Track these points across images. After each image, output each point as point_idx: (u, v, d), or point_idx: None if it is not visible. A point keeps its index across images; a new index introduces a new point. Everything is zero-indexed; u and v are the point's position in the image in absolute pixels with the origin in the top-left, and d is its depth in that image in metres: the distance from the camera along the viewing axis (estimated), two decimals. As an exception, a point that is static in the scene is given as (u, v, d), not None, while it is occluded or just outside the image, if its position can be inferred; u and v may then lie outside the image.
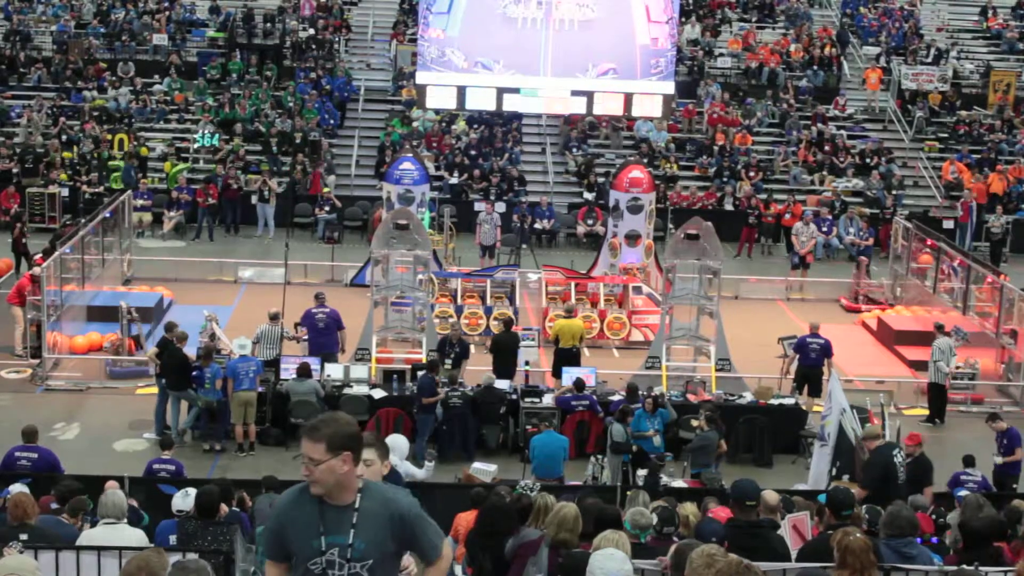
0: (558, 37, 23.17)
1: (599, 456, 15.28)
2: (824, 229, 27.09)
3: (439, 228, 24.92)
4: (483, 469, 14.21)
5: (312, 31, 35.08)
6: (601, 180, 29.62)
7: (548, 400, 16.93)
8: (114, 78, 32.85)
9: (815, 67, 35.37)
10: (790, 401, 17.44)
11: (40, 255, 20.48)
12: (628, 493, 11.30)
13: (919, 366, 19.78)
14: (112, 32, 34.67)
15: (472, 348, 18.55)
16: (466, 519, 10.00)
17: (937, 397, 18.39)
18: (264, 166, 29.45)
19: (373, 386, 17.15)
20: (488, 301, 21.68)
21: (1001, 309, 20.17)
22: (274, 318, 17.89)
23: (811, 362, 17.77)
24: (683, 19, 34.17)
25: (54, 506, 10.05)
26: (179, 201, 27.94)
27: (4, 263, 23.75)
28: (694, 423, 15.60)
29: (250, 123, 31.37)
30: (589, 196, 29.69)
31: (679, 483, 14.06)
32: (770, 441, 16.82)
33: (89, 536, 8.97)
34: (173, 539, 9.64)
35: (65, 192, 28.17)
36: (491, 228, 25.84)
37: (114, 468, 13.37)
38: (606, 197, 25.78)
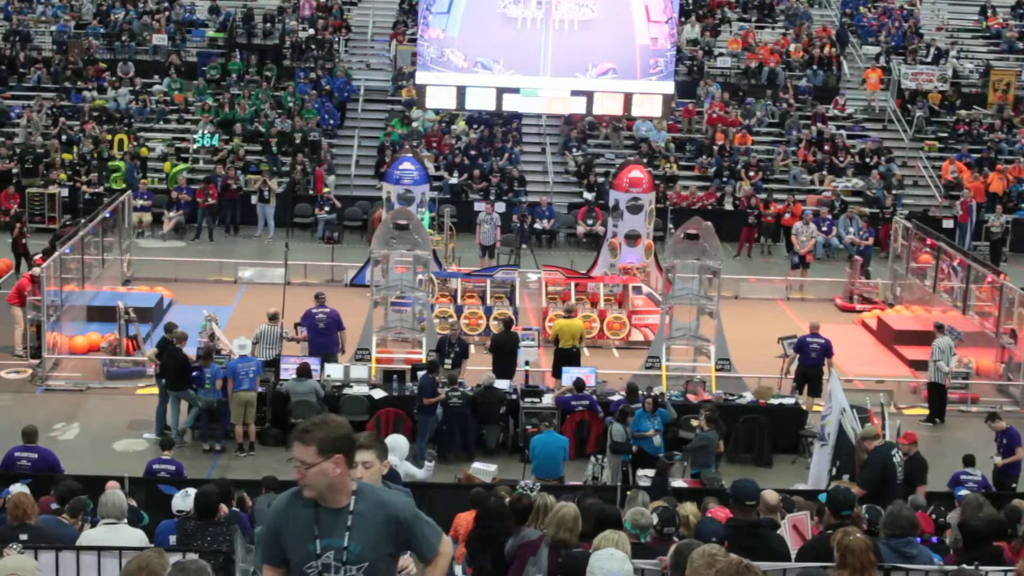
0: (558, 37, 23.17)
1: (599, 456, 15.29)
2: (824, 229, 27.10)
3: (439, 228, 24.91)
4: (483, 469, 14.21)
5: (312, 31, 35.08)
6: (601, 180, 29.62)
7: (548, 400, 16.93)
8: (114, 78, 32.85)
9: (815, 67, 35.38)
10: (790, 401, 17.44)
11: (40, 255, 20.48)
12: (628, 493, 11.31)
13: (919, 366, 19.79)
14: (112, 32, 34.67)
15: (472, 348, 18.56)
16: (466, 519, 10.01)
17: (937, 397, 18.39)
18: (264, 166, 29.45)
19: (373, 386, 17.16)
20: (488, 301, 21.69)
21: (1001, 309, 20.17)
22: (273, 318, 17.89)
23: (811, 362, 17.77)
24: (683, 19, 34.18)
25: (54, 506, 10.04)
26: (179, 201, 27.94)
27: (4, 263, 23.75)
28: (694, 423, 15.61)
29: (250, 123, 31.37)
30: (589, 196, 29.69)
31: (679, 483, 14.07)
32: (770, 441, 16.82)
33: (89, 536, 8.97)
34: (173, 539, 9.64)
35: (65, 192, 28.17)
36: (491, 228, 25.84)
37: (114, 468, 13.38)
38: (606, 197, 25.78)
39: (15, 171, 28.58)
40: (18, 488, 10.19)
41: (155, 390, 17.16)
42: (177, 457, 13.94)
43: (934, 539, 10.26)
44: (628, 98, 23.55)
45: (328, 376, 17.15)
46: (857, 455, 13.01)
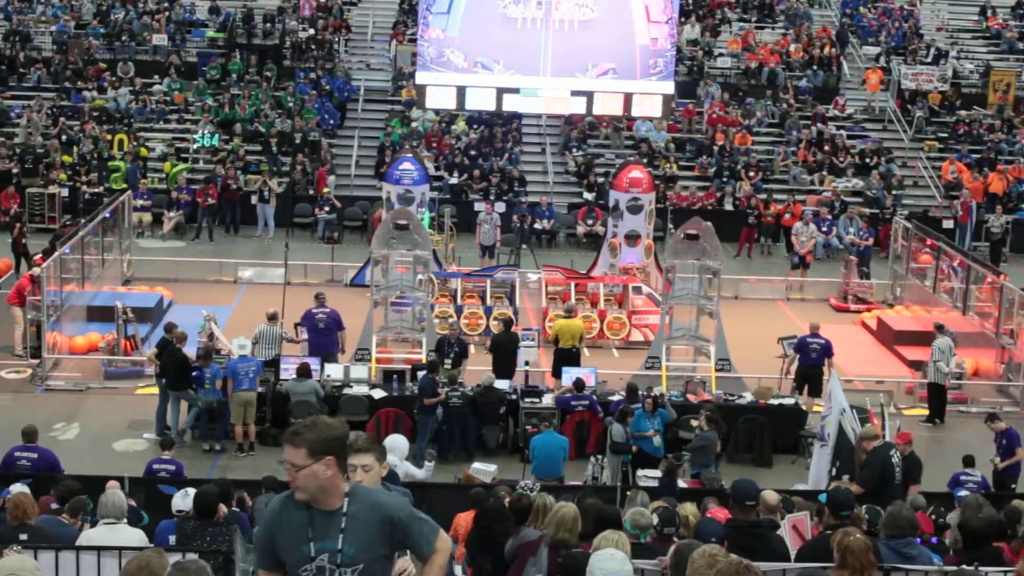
0: (558, 37, 23.17)
1: (599, 456, 15.29)
2: (824, 229, 27.10)
3: (439, 228, 24.91)
4: (483, 469, 14.21)
5: (312, 31, 35.09)
6: (601, 180, 29.63)
7: (548, 400, 16.93)
8: (114, 78, 32.85)
9: (815, 67, 35.38)
10: (790, 401, 17.44)
11: (40, 255, 20.48)
12: (628, 493, 11.31)
13: (919, 366, 19.79)
14: (112, 32, 34.67)
15: (472, 348, 18.56)
16: (465, 519, 10.01)
17: (936, 397, 18.38)
18: (264, 166, 29.45)
19: (373, 386, 17.16)
20: (488, 301, 21.69)
21: (1001, 309, 20.17)
22: (272, 318, 17.89)
23: (811, 362, 17.77)
24: (683, 19, 34.18)
25: (54, 506, 10.04)
26: (179, 201, 27.95)
27: (4, 263, 23.75)
28: (694, 423, 15.61)
29: (250, 123, 31.37)
30: (589, 196, 29.69)
31: (679, 483, 14.05)
32: (770, 441, 16.82)
33: (89, 536, 8.97)
34: (173, 539, 9.64)
35: (65, 192, 28.17)
36: (491, 228, 25.85)
37: (114, 468, 13.38)
38: (606, 197, 25.78)
39: (15, 171, 28.58)
40: (18, 488, 10.19)
41: (155, 390, 17.16)
42: (177, 457, 13.94)
43: (934, 539, 10.26)
44: (628, 98, 23.56)
45: (328, 376, 17.16)
46: (857, 455, 13.01)
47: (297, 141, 30.66)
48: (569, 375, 17.19)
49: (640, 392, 15.77)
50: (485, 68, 23.35)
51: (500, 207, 27.65)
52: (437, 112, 31.01)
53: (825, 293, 25.00)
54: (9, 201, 27.15)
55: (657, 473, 14.44)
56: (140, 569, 5.33)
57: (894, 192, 30.41)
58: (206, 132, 30.74)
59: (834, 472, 13.47)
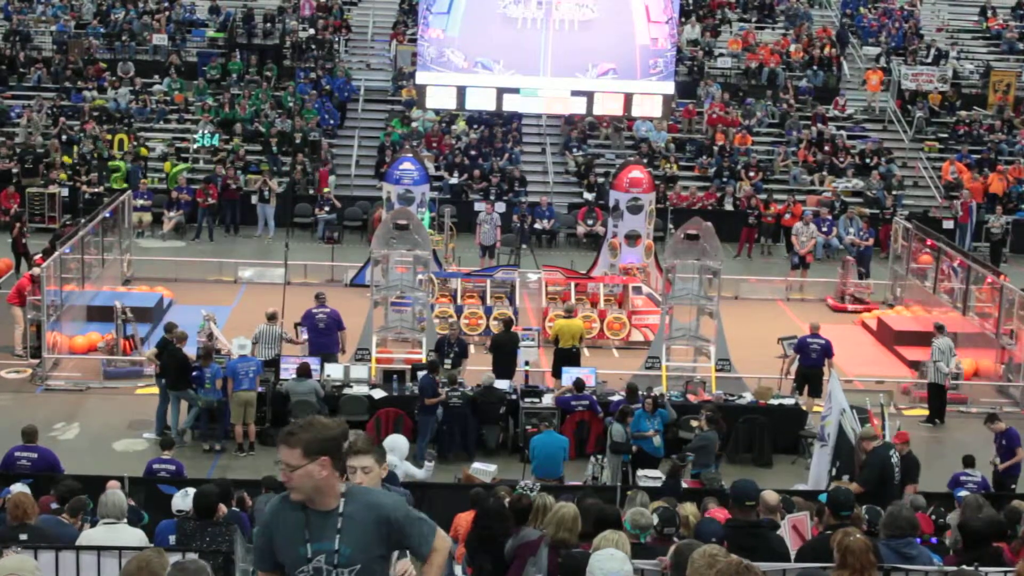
0: (558, 37, 23.17)
1: (599, 456, 15.28)
2: (824, 229, 27.09)
3: (439, 228, 24.91)
4: (483, 469, 14.20)
5: (312, 31, 35.09)
6: (601, 180, 29.63)
7: (548, 400, 16.93)
8: (114, 78, 32.85)
9: (815, 67, 35.38)
10: (790, 401, 17.44)
11: (40, 255, 20.48)
12: (628, 493, 11.31)
13: (918, 366, 19.80)
14: (112, 32, 34.68)
15: (472, 348, 18.57)
16: (465, 519, 10.01)
17: (936, 397, 18.38)
18: (264, 166, 29.45)
19: (373, 386, 17.16)
20: (488, 301, 21.69)
21: (1001, 310, 20.17)
22: (272, 318, 17.88)
23: (811, 362, 17.77)
24: (683, 19, 34.18)
25: (54, 506, 10.04)
26: (179, 201, 27.95)
27: (4, 263, 23.75)
28: (693, 423, 15.61)
29: (250, 123, 31.37)
30: (589, 196, 29.70)
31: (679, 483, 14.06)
32: (770, 441, 16.82)
33: (89, 536, 8.96)
34: (173, 539, 9.64)
35: (65, 192, 28.17)
36: (491, 228, 25.85)
37: (114, 468, 13.37)
38: (606, 197, 25.78)
39: (15, 171, 28.58)
40: (18, 488, 10.19)
41: (155, 390, 17.16)
42: (177, 457, 13.94)
43: (934, 540, 10.26)
44: (628, 98, 23.56)
45: (328, 376, 17.15)
46: (857, 456, 13.02)
47: (297, 141, 30.66)
48: (569, 375, 17.19)
49: (640, 392, 15.77)
50: (485, 68, 23.35)
51: (500, 207, 27.65)
52: (437, 112, 31.01)
53: (825, 293, 25.00)
54: (9, 201, 27.16)
55: (657, 473, 14.45)
56: (140, 569, 5.33)
57: (894, 192, 30.41)
58: (206, 132, 30.74)
59: (834, 472, 13.48)
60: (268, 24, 35.06)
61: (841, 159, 31.76)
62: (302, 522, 4.99)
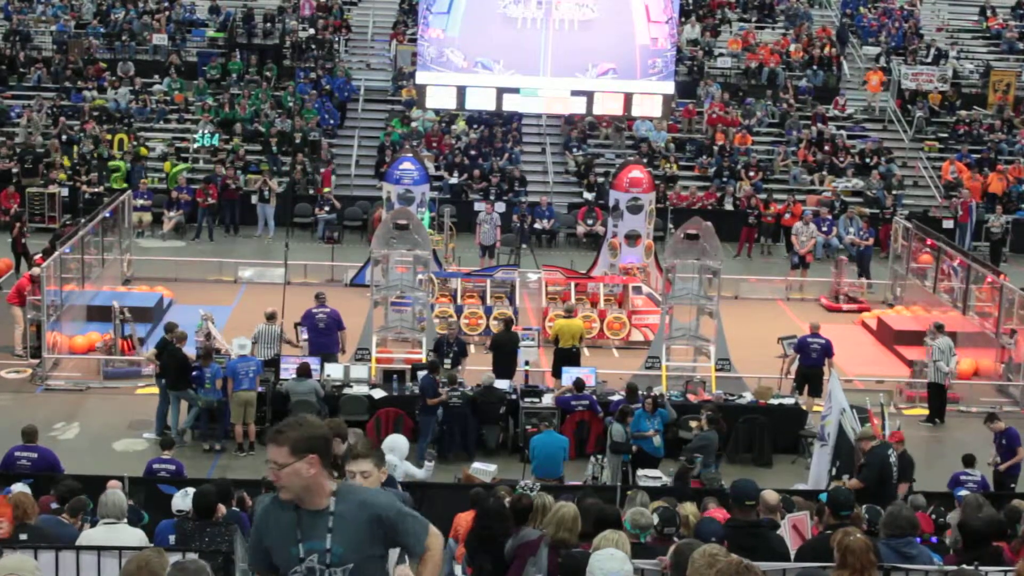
0: (558, 37, 23.17)
1: (599, 456, 15.28)
2: (824, 229, 27.09)
3: (439, 228, 24.92)
4: (483, 469, 14.20)
5: (312, 31, 35.09)
6: (601, 180, 29.63)
7: (548, 400, 16.93)
8: (114, 78, 32.85)
9: (815, 67, 35.38)
10: (790, 401, 17.44)
11: (40, 255, 20.48)
12: (628, 493, 11.31)
13: (914, 365, 19.82)
14: (112, 32, 34.68)
15: (471, 348, 18.57)
16: (465, 519, 10.01)
17: (936, 397, 18.38)
18: (264, 166, 29.45)
19: (373, 386, 17.15)
20: (488, 301, 21.69)
21: (1001, 309, 20.17)
22: (271, 318, 17.88)
23: (812, 362, 17.77)
24: (683, 19, 34.18)
25: (54, 506, 10.05)
26: (179, 201, 27.95)
27: (4, 263, 23.75)
28: (693, 423, 15.61)
29: (250, 123, 31.37)
30: (589, 196, 29.70)
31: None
32: (770, 441, 16.82)
33: (89, 536, 8.96)
34: (173, 539, 9.64)
35: (65, 192, 28.17)
36: (491, 228, 25.85)
37: (114, 468, 13.37)
38: (606, 197, 25.78)
39: (15, 171, 28.58)
40: (18, 488, 10.19)
41: (155, 390, 17.16)
42: (177, 457, 13.94)
43: (934, 539, 10.27)
44: (628, 98, 23.55)
45: (328, 376, 17.15)
46: (857, 455, 13.03)
47: (297, 141, 30.66)
48: (569, 375, 17.19)
49: (640, 392, 15.77)
50: (485, 68, 23.34)
51: (500, 207, 27.65)
52: (437, 112, 31.01)
53: (824, 293, 24.96)
54: (9, 201, 27.16)
55: (657, 473, 14.47)
56: (140, 569, 5.33)
57: (894, 192, 30.41)
58: (206, 132, 30.74)
59: (834, 472, 13.48)
60: (268, 24, 35.06)
61: (841, 159, 31.77)
62: (293, 522, 4.97)
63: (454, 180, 29.94)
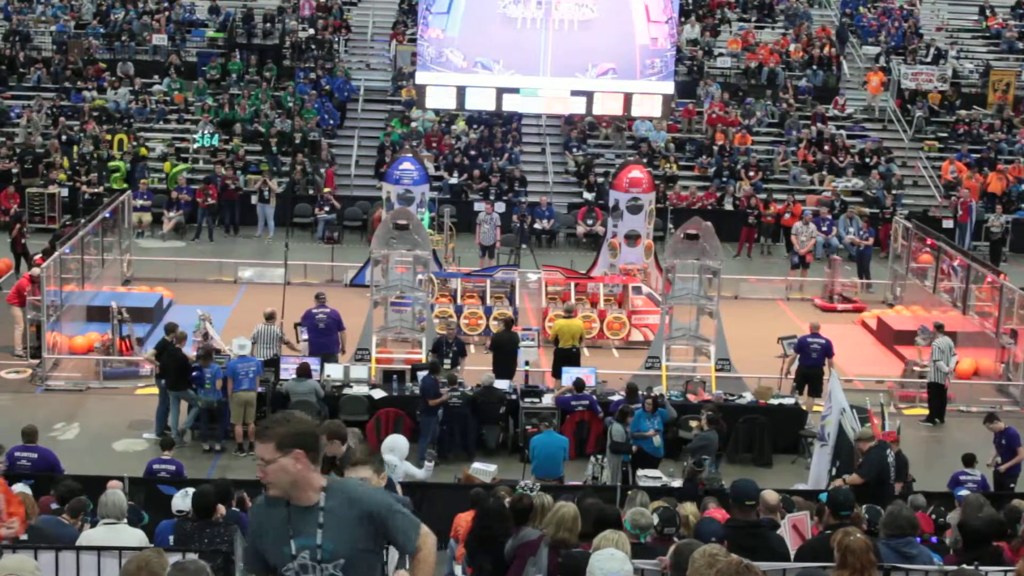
0: (558, 37, 23.16)
1: (599, 456, 15.28)
2: (824, 229, 27.09)
3: (439, 228, 24.92)
4: (483, 469, 14.21)
5: (312, 31, 35.09)
6: (601, 180, 29.63)
7: (548, 400, 16.93)
8: (114, 78, 32.85)
9: (815, 67, 35.38)
10: (790, 401, 17.44)
11: (40, 255, 20.48)
12: (628, 493, 11.32)
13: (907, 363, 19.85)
14: (112, 32, 34.67)
15: (471, 348, 18.56)
16: (465, 519, 10.01)
17: (936, 397, 18.38)
18: (264, 166, 29.46)
19: (373, 386, 17.15)
20: (488, 301, 21.69)
21: (1001, 309, 20.17)
22: (270, 318, 17.87)
23: (812, 362, 17.77)
24: (683, 19, 34.18)
25: (54, 506, 10.05)
26: (179, 201, 27.95)
27: (4, 263, 23.75)
28: (693, 423, 15.61)
29: (250, 123, 31.37)
30: (589, 196, 29.70)
31: (679, 483, 14.06)
32: (770, 441, 16.82)
33: (89, 536, 8.97)
34: (172, 539, 9.64)
35: (65, 192, 28.17)
36: (491, 228, 25.85)
37: (114, 468, 13.38)
38: (606, 197, 25.79)
39: (15, 171, 28.58)
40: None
41: (155, 390, 17.15)
42: (177, 457, 13.95)
43: (934, 539, 10.27)
44: (628, 98, 23.55)
45: (328, 376, 17.15)
46: (856, 456, 13.03)
47: (297, 141, 30.67)
48: (569, 375, 17.19)
49: (640, 392, 15.77)
50: (485, 68, 23.34)
51: (500, 207, 27.65)
52: (437, 112, 31.01)
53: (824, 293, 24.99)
54: (9, 201, 27.15)
55: (657, 473, 14.48)
56: (140, 569, 5.34)
57: (894, 192, 30.41)
58: (206, 132, 30.74)
59: (834, 472, 13.49)
60: (268, 24, 35.05)
61: (841, 159, 31.77)
62: (284, 519, 4.98)
63: (454, 180, 29.95)
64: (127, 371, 18.81)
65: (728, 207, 29.56)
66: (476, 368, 17.74)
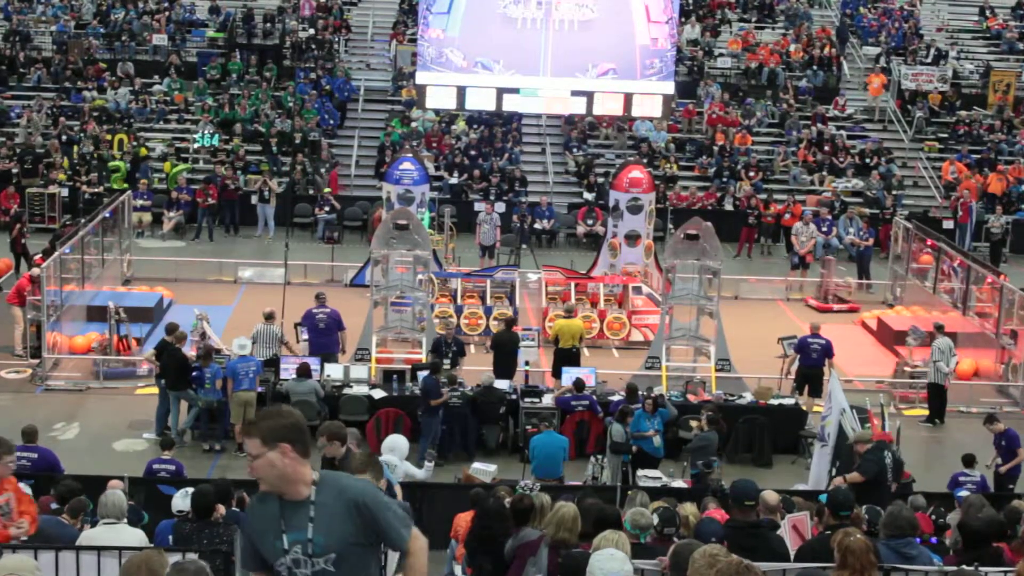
0: (558, 37, 23.17)
1: (599, 456, 15.28)
2: (824, 229, 27.08)
3: (439, 228, 24.92)
4: (483, 469, 14.20)
5: (312, 31, 35.09)
6: (601, 180, 29.63)
7: (548, 400, 16.92)
8: (114, 78, 32.86)
9: (815, 67, 35.39)
10: (790, 401, 17.44)
11: (40, 255, 20.48)
12: (628, 493, 11.31)
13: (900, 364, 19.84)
14: (112, 32, 34.68)
15: (471, 348, 18.55)
16: (465, 519, 10.01)
17: (936, 397, 18.37)
18: (264, 166, 29.46)
19: (373, 386, 17.15)
20: (488, 301, 21.69)
21: (1001, 309, 20.17)
22: (269, 317, 17.87)
23: (812, 362, 17.77)
24: (683, 19, 34.19)
25: (54, 506, 10.05)
26: (179, 201, 27.95)
27: (4, 263, 23.76)
28: (693, 424, 15.61)
29: (250, 123, 31.38)
30: (589, 196, 29.70)
31: (679, 483, 14.07)
32: (770, 441, 16.82)
33: (89, 536, 8.97)
34: (172, 539, 9.63)
35: (65, 192, 28.18)
36: (491, 228, 25.85)
37: (114, 468, 13.37)
38: (606, 197, 25.79)
39: (15, 171, 28.59)
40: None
41: (155, 390, 17.15)
42: (177, 457, 13.95)
43: (934, 540, 10.26)
44: (628, 98, 23.55)
45: (328, 376, 17.15)
46: (854, 457, 13.03)
47: (297, 141, 30.67)
48: (569, 375, 17.19)
49: (640, 392, 15.76)
50: (485, 68, 23.34)
51: (500, 207, 27.65)
52: (437, 112, 31.01)
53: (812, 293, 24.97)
54: (9, 201, 27.16)
55: (657, 473, 14.47)
56: (140, 568, 5.34)
57: (894, 192, 30.41)
58: (206, 132, 30.74)
59: (834, 472, 13.48)
60: (268, 24, 35.06)
61: (841, 159, 31.77)
62: (277, 514, 4.97)
63: (454, 180, 29.95)
64: (124, 371, 18.80)
65: (728, 207, 29.56)
66: (476, 368, 17.74)
